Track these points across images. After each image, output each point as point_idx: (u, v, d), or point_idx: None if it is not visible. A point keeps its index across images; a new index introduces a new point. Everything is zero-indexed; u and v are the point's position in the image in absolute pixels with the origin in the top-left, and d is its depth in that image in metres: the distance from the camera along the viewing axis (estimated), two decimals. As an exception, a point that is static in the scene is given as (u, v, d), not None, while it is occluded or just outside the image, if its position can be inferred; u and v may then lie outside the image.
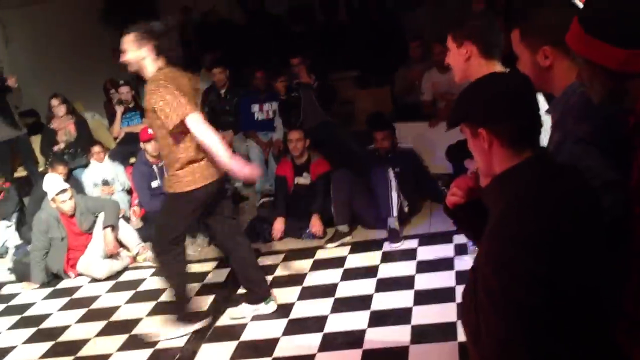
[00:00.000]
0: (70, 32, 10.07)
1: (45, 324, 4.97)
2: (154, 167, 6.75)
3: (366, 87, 8.15)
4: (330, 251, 5.48)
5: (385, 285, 4.69)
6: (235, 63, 8.17)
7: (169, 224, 4.30)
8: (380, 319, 4.21)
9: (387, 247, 5.34)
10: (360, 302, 4.46)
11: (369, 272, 4.94)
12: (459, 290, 4.35)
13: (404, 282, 4.66)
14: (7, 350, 4.63)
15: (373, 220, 5.68)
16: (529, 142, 1.70)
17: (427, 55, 7.14)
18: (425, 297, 4.38)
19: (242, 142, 7.71)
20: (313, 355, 3.88)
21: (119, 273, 5.77)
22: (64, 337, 4.71)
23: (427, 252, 5.11)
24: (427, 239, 5.33)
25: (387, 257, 5.17)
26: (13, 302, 5.52)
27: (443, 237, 5.19)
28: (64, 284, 5.71)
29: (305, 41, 8.49)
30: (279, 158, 6.82)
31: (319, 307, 4.51)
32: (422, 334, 3.92)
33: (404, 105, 7.33)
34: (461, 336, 3.76)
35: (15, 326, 5.05)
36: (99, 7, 10.08)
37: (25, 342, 4.73)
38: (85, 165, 7.26)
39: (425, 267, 4.86)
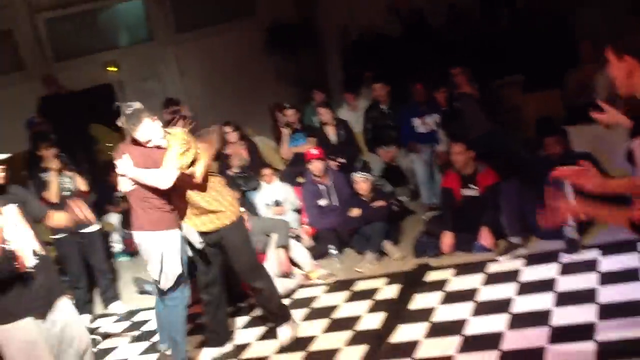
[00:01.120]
0: (237, 62, 10.63)
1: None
2: (320, 186, 6.91)
3: (533, 92, 7.83)
4: (503, 265, 5.29)
5: (565, 299, 4.44)
6: (394, 78, 8.19)
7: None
8: (561, 335, 3.97)
9: (565, 258, 5.06)
10: (539, 318, 4.24)
11: (546, 285, 4.70)
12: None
13: (586, 296, 4.38)
14: None
15: (548, 231, 5.41)
16: None
17: (599, 55, 6.72)
18: (610, 311, 4.09)
19: (405, 156, 7.70)
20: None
21: (293, 291, 5.93)
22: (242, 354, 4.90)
23: (610, 263, 4.78)
24: (609, 249, 4.99)
25: (566, 269, 4.90)
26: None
27: (626, 246, 4.84)
28: (243, 303, 5.95)
29: (464, 50, 8.34)
30: (444, 170, 6.71)
31: (494, 323, 4.35)
32: (608, 350, 3.65)
33: (576, 108, 6.96)
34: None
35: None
36: (262, 36, 10.54)
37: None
38: (257, 188, 7.57)
39: (609, 278, 4.55)
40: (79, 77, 10.09)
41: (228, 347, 4.99)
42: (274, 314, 4.96)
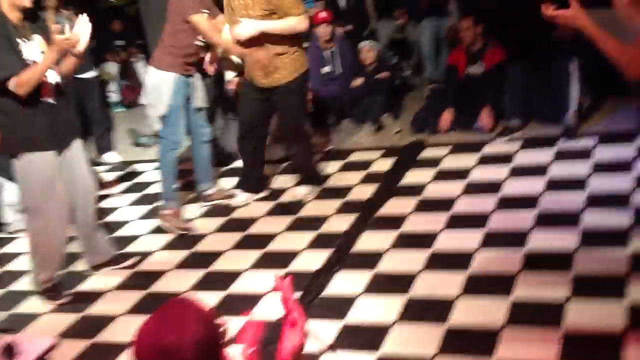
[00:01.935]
0: None
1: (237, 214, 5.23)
2: (324, 52, 6.74)
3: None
4: (499, 146, 5.27)
5: (556, 185, 4.45)
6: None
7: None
8: (546, 220, 4.01)
9: (562, 144, 5.04)
10: (527, 202, 4.27)
11: (538, 170, 4.70)
12: (636, 195, 4.04)
13: (576, 183, 4.39)
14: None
15: (548, 115, 5.35)
16: None
17: None
18: (597, 201, 4.11)
19: (413, 28, 7.48)
20: (473, 251, 3.80)
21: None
22: (235, 214, 4.96)
23: (604, 152, 4.76)
24: (607, 138, 4.95)
25: (560, 155, 4.88)
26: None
27: (624, 137, 4.81)
28: (237, 165, 5.93)
29: None
30: (452, 45, 6.52)
31: (483, 203, 4.38)
32: (591, 238, 3.70)
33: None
34: (633, 245, 3.52)
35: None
36: None
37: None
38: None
39: (601, 168, 4.54)
40: None
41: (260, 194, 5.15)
42: (306, 176, 5.07)
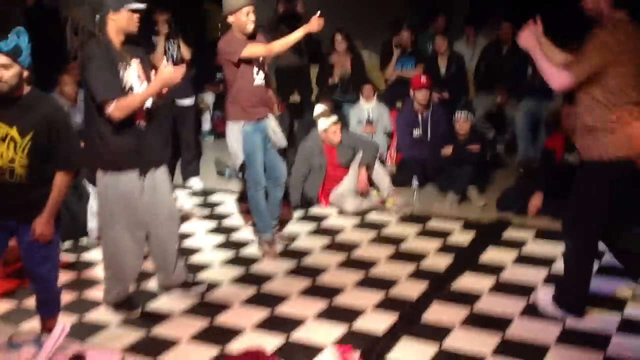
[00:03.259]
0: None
1: (294, 245, 5.24)
2: (418, 115, 6.74)
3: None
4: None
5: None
6: (524, 21, 7.74)
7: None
8: (626, 325, 3.81)
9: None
10: (610, 303, 4.08)
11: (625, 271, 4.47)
12: None
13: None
14: (257, 258, 4.98)
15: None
16: None
17: None
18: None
19: (512, 104, 7.40)
20: (548, 346, 3.63)
21: (365, 211, 5.89)
22: (306, 261, 4.93)
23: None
24: None
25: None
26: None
27: None
28: (314, 211, 5.98)
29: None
30: (551, 129, 6.40)
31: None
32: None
33: None
34: None
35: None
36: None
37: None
38: (354, 102, 7.46)
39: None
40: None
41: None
42: None
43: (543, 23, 3.80)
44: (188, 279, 4.37)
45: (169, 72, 3.68)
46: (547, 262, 4.74)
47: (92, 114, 3.76)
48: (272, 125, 4.88)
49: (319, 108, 6.18)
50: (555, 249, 4.89)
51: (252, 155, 4.78)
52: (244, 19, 4.59)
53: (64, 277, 4.42)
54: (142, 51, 4.00)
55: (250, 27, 4.60)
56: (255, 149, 4.77)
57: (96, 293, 4.38)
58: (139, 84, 3.81)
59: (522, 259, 4.83)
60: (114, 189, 3.86)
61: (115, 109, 3.63)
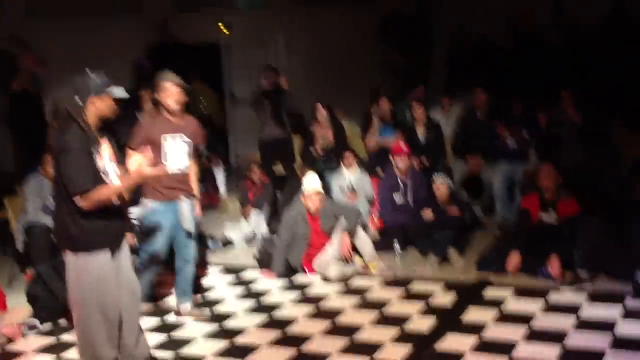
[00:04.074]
0: (344, 44, 10.64)
1: (277, 313, 5.28)
2: (399, 182, 6.88)
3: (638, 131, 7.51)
4: (566, 296, 5.15)
5: (622, 343, 4.28)
6: (497, 90, 8.03)
7: None
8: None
9: (630, 302, 4.89)
10: (590, 357, 4.13)
11: (605, 326, 4.55)
12: None
13: (643, 345, 4.22)
14: (241, 330, 5.00)
15: (619, 272, 5.24)
16: None
17: None
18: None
19: (488, 169, 7.58)
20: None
21: (349, 277, 5.96)
22: (291, 329, 4.96)
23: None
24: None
25: (629, 314, 4.73)
26: (252, 286, 5.97)
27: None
28: (298, 279, 6.04)
29: (578, 74, 8.04)
30: (526, 190, 6.56)
31: (544, 352, 4.25)
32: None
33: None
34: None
35: (250, 309, 5.43)
36: (374, 22, 10.50)
37: (257, 326, 5.07)
38: (335, 170, 7.60)
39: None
40: (191, 30, 10.20)
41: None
42: None
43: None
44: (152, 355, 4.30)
45: (150, 174, 3.76)
46: (526, 319, 4.79)
47: (62, 195, 3.69)
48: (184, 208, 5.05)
49: (310, 176, 6.29)
50: (533, 306, 4.96)
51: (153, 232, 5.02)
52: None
53: None
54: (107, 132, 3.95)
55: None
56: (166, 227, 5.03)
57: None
58: (112, 167, 3.82)
59: (503, 317, 4.88)
60: (91, 272, 3.73)
61: (83, 200, 3.60)
